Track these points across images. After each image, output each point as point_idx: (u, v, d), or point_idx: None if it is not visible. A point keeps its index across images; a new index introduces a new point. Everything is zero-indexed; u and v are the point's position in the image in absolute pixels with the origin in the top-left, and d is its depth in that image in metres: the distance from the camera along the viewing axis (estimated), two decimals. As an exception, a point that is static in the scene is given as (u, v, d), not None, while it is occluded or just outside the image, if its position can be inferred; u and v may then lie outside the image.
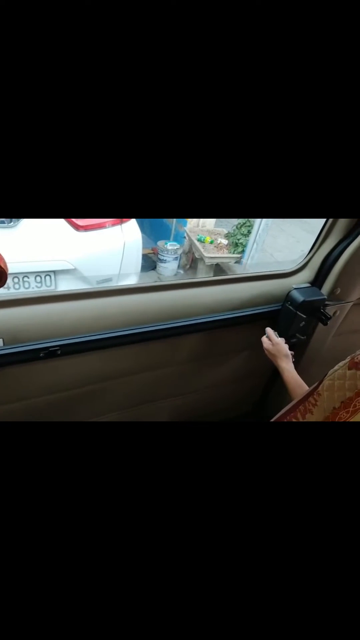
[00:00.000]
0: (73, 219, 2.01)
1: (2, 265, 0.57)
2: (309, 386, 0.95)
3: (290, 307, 1.12)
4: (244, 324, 1.18)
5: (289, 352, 1.01)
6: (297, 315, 1.12)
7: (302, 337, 1.21)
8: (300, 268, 1.23)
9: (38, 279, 2.06)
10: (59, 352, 0.88)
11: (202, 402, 1.40)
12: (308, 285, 1.15)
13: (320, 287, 1.21)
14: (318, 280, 1.21)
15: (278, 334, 1.06)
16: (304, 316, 1.13)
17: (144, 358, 1.09)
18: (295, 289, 1.12)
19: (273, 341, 1.03)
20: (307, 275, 1.24)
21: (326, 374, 0.67)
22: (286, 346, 1.02)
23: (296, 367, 1.35)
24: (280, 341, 1.03)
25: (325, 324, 1.17)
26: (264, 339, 1.06)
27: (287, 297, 1.12)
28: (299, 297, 1.10)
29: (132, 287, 1.01)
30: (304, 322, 1.15)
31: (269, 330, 1.07)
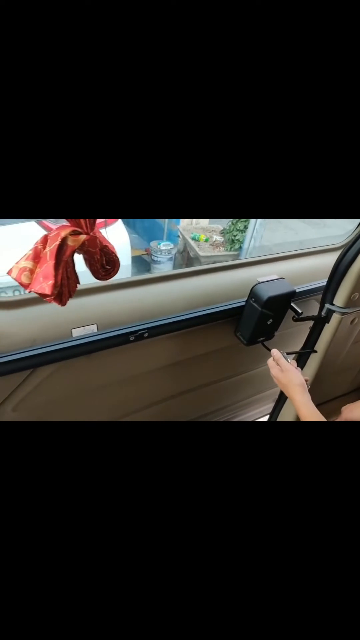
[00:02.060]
0: (49, 225, 1.83)
1: (114, 253, 0.63)
2: (319, 407, 0.78)
3: (255, 303, 0.97)
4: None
5: (303, 380, 0.82)
6: (263, 313, 0.97)
7: (304, 350, 1.10)
8: (354, 240, 1.04)
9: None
10: (146, 335, 0.88)
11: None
12: (275, 277, 1.00)
13: (334, 293, 1.03)
14: (332, 285, 1.03)
15: (247, 337, 0.98)
16: (271, 313, 0.99)
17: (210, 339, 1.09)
18: (260, 282, 0.97)
19: (282, 367, 0.84)
20: None
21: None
22: (298, 372, 0.84)
23: (313, 378, 1.19)
24: (291, 367, 0.84)
25: (296, 320, 1.03)
26: (271, 362, 0.87)
27: (251, 293, 0.98)
28: (264, 292, 0.95)
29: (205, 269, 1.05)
30: (271, 320, 1.01)
31: (276, 352, 0.88)
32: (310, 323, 1.14)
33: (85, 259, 0.63)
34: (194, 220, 3.83)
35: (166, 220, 3.86)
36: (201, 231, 3.68)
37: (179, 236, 3.81)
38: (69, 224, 0.57)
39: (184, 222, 3.81)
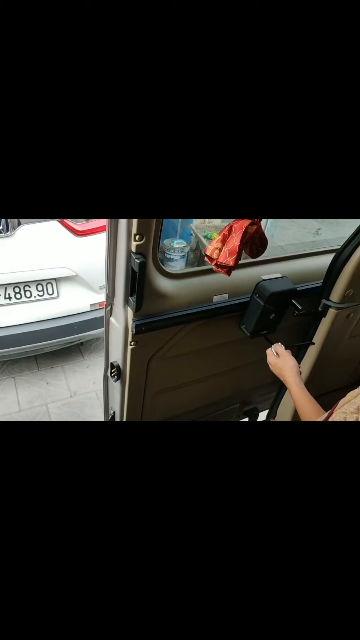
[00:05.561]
0: (71, 225, 1.96)
1: (266, 238, 0.84)
2: (319, 398, 0.88)
3: (258, 299, 1.06)
4: None
5: (296, 364, 0.93)
6: (265, 308, 1.05)
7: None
8: (349, 241, 1.09)
9: (40, 287, 2.02)
10: None
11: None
12: (278, 275, 1.09)
13: (330, 289, 1.12)
14: (328, 282, 1.12)
15: (250, 329, 1.09)
16: (273, 308, 1.08)
17: None
18: (264, 280, 1.07)
19: (279, 353, 0.95)
20: None
21: (336, 404, 0.59)
22: (292, 358, 0.94)
23: (311, 370, 1.28)
24: (286, 353, 0.94)
25: (297, 316, 1.13)
26: (269, 351, 0.98)
27: (255, 289, 1.07)
28: (267, 288, 1.04)
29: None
30: (274, 315, 1.10)
31: (276, 345, 0.99)
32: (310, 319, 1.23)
33: (247, 243, 0.87)
34: (207, 218, 3.89)
35: (179, 218, 3.93)
36: (214, 229, 3.75)
37: (191, 234, 3.89)
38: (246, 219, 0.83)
39: (197, 221, 3.87)
